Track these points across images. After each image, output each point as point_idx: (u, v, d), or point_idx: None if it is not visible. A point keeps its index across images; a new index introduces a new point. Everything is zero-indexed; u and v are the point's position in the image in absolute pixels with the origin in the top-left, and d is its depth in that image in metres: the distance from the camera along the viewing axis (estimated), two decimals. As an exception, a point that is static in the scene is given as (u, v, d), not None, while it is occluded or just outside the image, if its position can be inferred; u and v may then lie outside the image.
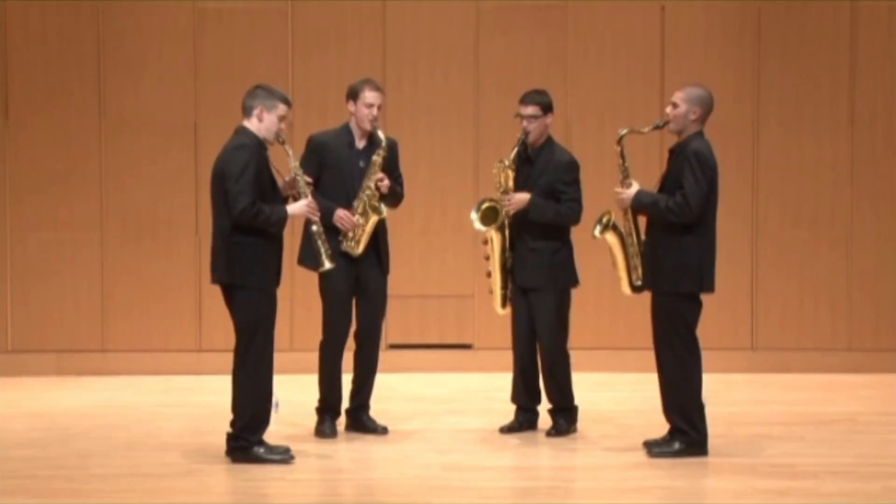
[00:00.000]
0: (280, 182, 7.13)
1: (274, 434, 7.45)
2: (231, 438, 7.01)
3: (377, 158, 7.56)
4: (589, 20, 9.83)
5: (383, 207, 7.56)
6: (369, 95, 7.58)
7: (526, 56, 9.81)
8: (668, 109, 7.15)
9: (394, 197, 7.69)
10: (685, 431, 7.07)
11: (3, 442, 7.57)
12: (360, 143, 7.65)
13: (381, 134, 7.60)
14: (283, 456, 7.00)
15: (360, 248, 7.55)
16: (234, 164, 6.84)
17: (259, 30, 9.82)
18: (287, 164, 7.13)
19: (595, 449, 7.40)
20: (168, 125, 9.78)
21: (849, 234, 9.86)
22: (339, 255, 7.45)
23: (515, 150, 7.60)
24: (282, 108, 6.99)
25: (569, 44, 9.84)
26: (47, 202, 9.80)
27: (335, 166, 7.58)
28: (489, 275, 7.72)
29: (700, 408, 7.10)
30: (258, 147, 6.93)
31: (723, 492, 6.51)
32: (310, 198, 7.07)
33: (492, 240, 7.66)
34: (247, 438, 6.96)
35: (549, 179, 7.55)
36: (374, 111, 7.59)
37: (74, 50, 9.76)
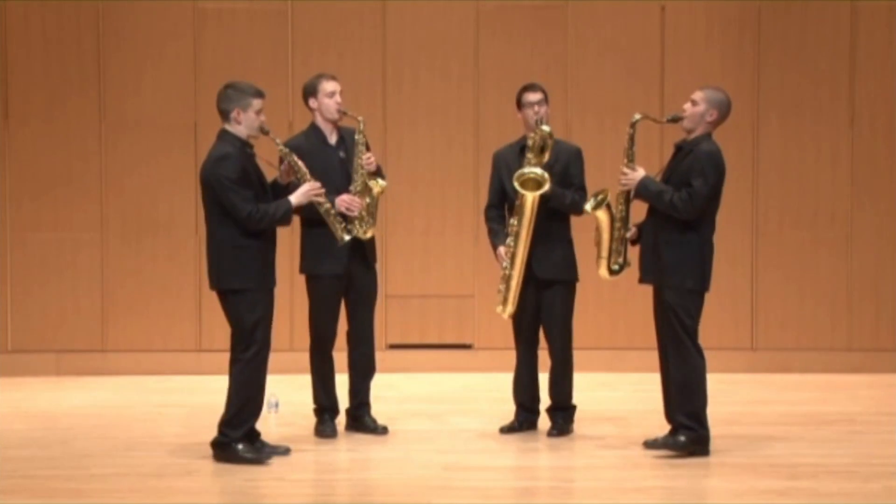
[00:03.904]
0: (277, 174, 7.13)
1: (274, 434, 7.47)
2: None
3: (360, 137, 7.48)
4: (589, 20, 9.83)
5: (381, 180, 7.53)
6: (328, 85, 7.53)
7: (526, 56, 9.82)
8: (687, 106, 7.13)
9: (380, 176, 7.64)
10: (691, 428, 7.07)
11: (3, 442, 7.56)
12: (333, 138, 7.60)
13: (353, 115, 7.49)
14: (259, 456, 6.98)
15: (371, 231, 7.49)
16: (221, 176, 6.83)
17: (259, 30, 9.83)
18: (279, 151, 7.09)
19: (595, 449, 7.40)
20: (168, 125, 9.79)
21: (849, 234, 9.86)
22: (330, 255, 7.43)
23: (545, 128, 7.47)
24: (256, 103, 6.94)
25: (569, 44, 9.85)
26: (47, 202, 9.80)
27: (316, 167, 7.46)
28: (510, 263, 7.43)
29: (705, 404, 7.10)
30: (241, 150, 6.91)
31: (723, 492, 6.51)
32: (311, 180, 7.07)
33: (524, 207, 7.39)
34: (227, 434, 6.96)
35: (562, 167, 7.53)
36: (338, 98, 7.52)
37: (74, 50, 9.77)
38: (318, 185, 7.09)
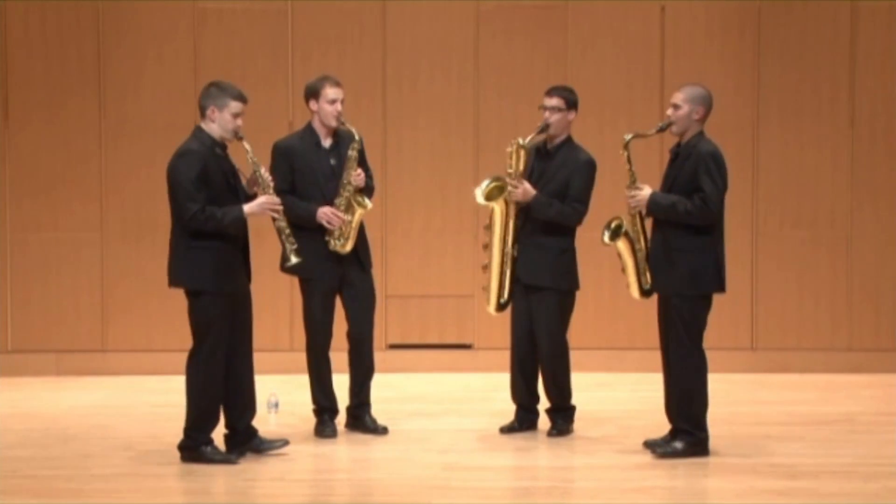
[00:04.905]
0: (243, 180, 7.08)
1: (274, 434, 7.46)
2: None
3: (353, 153, 7.51)
4: (589, 20, 9.83)
5: (367, 200, 7.54)
6: (331, 92, 7.52)
7: (526, 56, 9.81)
8: (670, 111, 7.09)
9: (367, 191, 7.64)
10: (689, 432, 7.07)
11: (3, 442, 7.57)
12: (327, 142, 7.60)
13: (351, 128, 7.53)
14: (228, 456, 6.98)
15: (349, 246, 7.52)
16: (177, 171, 6.81)
17: (259, 30, 9.82)
18: (248, 160, 7.01)
19: (595, 449, 7.40)
20: (168, 125, 9.76)
21: (849, 234, 9.86)
22: (324, 257, 7.45)
23: (533, 135, 7.54)
24: (235, 106, 6.89)
25: (569, 44, 9.84)
26: (47, 203, 9.80)
27: (306, 169, 7.52)
28: (485, 268, 7.66)
29: (706, 408, 7.10)
30: (209, 149, 6.86)
31: (723, 492, 6.51)
32: (269, 194, 6.98)
33: (493, 215, 7.55)
34: (193, 438, 6.96)
35: (565, 176, 7.53)
36: (339, 107, 7.51)
37: (74, 50, 9.77)
38: (276, 200, 6.98)
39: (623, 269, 7.29)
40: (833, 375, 9.70)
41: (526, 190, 7.48)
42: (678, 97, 7.08)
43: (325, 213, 7.45)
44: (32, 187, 9.79)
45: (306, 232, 7.42)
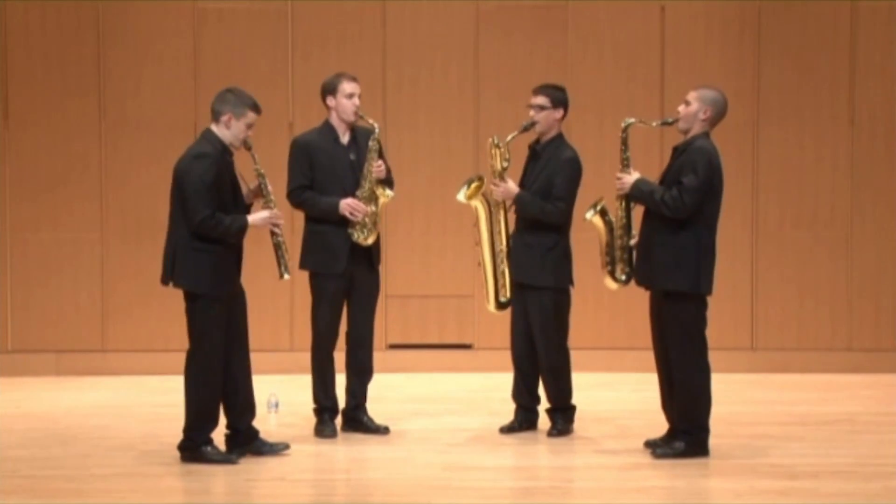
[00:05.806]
0: (244, 189, 7.08)
1: (274, 434, 7.47)
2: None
3: (374, 144, 7.53)
4: (589, 20, 9.83)
5: (389, 190, 7.56)
6: (348, 86, 7.54)
7: (526, 56, 9.82)
8: (681, 107, 7.11)
9: (389, 183, 7.67)
10: (689, 432, 7.06)
11: (3, 442, 7.57)
12: (345, 138, 7.61)
13: (370, 120, 7.56)
14: (228, 456, 6.99)
15: (372, 238, 7.54)
16: (192, 173, 6.81)
17: (259, 30, 9.83)
18: (254, 171, 7.06)
19: (595, 449, 7.41)
20: (168, 125, 9.78)
21: (849, 234, 9.86)
22: (341, 253, 7.47)
23: (515, 133, 7.56)
24: (251, 116, 6.92)
25: (569, 44, 9.85)
26: (47, 202, 9.80)
27: (326, 164, 7.54)
28: (480, 265, 7.69)
29: (708, 410, 7.08)
30: (221, 154, 6.88)
31: (723, 492, 6.51)
32: (274, 208, 7.03)
33: (477, 212, 7.64)
34: (193, 438, 6.97)
35: (549, 174, 7.54)
36: (356, 101, 7.54)
37: (74, 50, 9.77)
38: (279, 214, 7.06)
39: (600, 252, 7.31)
40: (833, 375, 9.71)
41: (507, 188, 7.53)
42: (691, 95, 7.10)
43: (348, 205, 7.46)
44: (32, 187, 9.80)
45: (326, 226, 7.43)
